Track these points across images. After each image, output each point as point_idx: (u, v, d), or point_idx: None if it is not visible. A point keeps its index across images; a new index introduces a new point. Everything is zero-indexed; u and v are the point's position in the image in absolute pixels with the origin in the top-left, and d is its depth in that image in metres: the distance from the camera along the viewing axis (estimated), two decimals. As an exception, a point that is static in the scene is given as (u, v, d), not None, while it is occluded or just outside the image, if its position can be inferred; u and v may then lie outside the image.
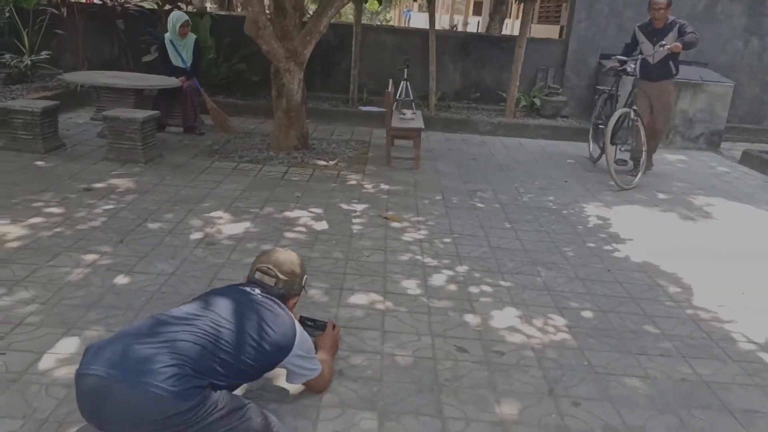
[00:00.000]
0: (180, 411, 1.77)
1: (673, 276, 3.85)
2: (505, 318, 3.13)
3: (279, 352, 2.13)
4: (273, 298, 2.23)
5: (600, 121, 6.80)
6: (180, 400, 1.77)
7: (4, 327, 2.67)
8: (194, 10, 7.96)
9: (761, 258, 4.31)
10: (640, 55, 6.14)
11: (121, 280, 3.20)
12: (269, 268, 2.29)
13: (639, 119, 6.01)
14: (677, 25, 6.02)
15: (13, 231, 3.69)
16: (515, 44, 8.21)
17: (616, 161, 6.09)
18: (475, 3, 21.34)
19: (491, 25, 11.45)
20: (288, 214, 4.40)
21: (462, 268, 3.69)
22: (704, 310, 3.42)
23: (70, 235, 3.71)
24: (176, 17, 6.53)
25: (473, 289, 3.42)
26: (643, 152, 6.07)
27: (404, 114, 6.23)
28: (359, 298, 3.21)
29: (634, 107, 6.04)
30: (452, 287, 3.43)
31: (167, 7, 7.89)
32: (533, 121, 8.17)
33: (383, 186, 5.27)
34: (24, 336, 2.62)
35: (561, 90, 8.64)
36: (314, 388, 2.37)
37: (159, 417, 1.76)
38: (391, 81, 6.83)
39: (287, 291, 2.31)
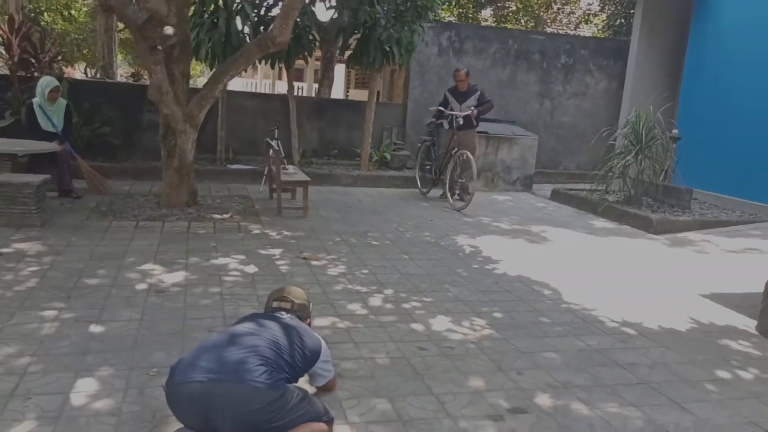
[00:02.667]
0: (274, 399, 2.21)
1: (543, 282, 4.92)
2: (441, 323, 3.86)
3: (314, 357, 2.60)
4: (296, 318, 2.70)
5: (428, 164, 8.56)
6: (274, 390, 2.21)
7: (11, 377, 2.72)
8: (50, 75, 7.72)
9: (592, 264, 5.62)
10: (452, 112, 7.83)
11: (96, 328, 3.32)
12: (284, 296, 2.77)
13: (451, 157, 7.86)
14: (478, 92, 7.94)
15: (-56, 298, 3.54)
16: (363, 107, 9.29)
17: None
18: (295, 69, 22.53)
19: (321, 90, 12.32)
20: (215, 261, 4.70)
21: (389, 291, 4.36)
22: (573, 303, 4.49)
23: (13, 296, 3.67)
24: (45, 83, 6.44)
25: (406, 306, 4.11)
26: (456, 181, 7.87)
27: (287, 169, 6.81)
28: (321, 322, 3.71)
29: (455, 150, 7.70)
30: (390, 305, 4.09)
31: (20, 72, 7.58)
32: (386, 173, 9.24)
33: (285, 233, 5.76)
34: (37, 383, 2.71)
35: (404, 145, 9.88)
36: (328, 389, 2.84)
37: (259, 405, 2.17)
38: (267, 140, 7.36)
39: (301, 314, 2.77)
